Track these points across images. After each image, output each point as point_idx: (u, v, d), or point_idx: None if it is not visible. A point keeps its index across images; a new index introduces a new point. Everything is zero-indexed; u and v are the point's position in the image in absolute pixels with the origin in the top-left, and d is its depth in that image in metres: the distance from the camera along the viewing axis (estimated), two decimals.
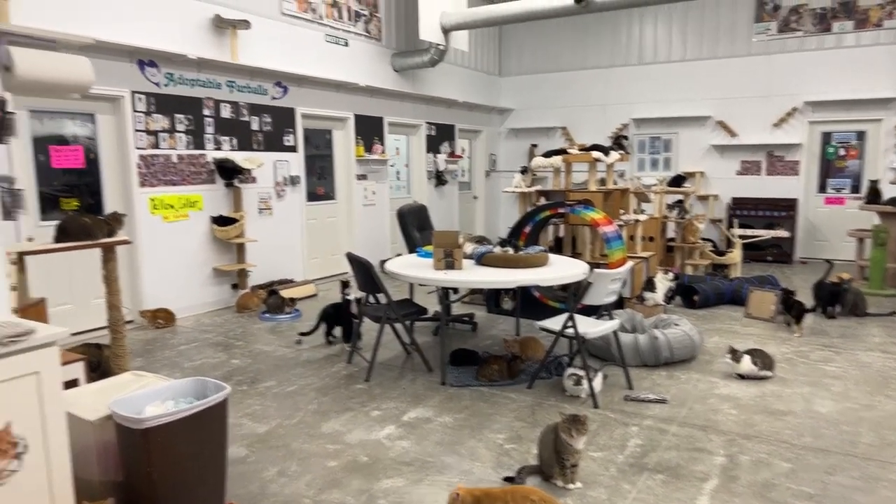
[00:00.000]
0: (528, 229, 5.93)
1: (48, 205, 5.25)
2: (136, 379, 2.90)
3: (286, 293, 6.52)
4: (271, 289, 6.65)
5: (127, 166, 5.68)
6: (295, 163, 7.38)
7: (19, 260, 3.12)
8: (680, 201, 7.92)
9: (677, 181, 8.11)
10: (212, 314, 6.35)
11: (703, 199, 9.87)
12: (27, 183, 5.02)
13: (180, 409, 2.45)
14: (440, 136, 10.00)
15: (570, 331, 3.93)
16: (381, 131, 8.71)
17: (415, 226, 5.61)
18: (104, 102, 5.55)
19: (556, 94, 11.07)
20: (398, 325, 4.77)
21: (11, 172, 4.79)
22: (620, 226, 6.06)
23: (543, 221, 6.04)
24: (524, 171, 6.79)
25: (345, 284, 5.12)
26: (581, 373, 3.92)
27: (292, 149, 7.33)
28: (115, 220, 3.62)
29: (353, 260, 4.48)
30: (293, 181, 7.36)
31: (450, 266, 4.41)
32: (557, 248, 6.64)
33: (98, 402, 2.58)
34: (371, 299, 4.66)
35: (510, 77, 11.48)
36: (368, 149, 8.42)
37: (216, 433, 2.60)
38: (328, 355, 4.96)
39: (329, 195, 8.20)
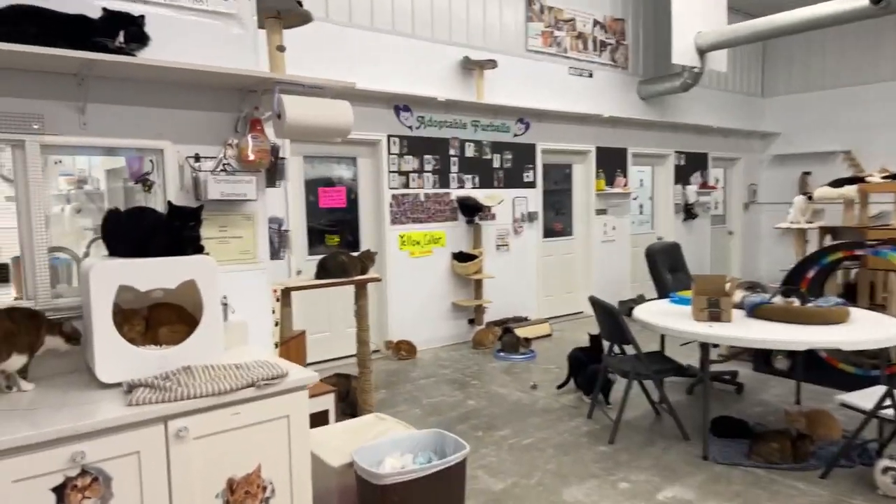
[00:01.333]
0: (811, 274, 4.91)
1: (315, 240, 5.79)
2: (378, 422, 2.86)
3: (521, 332, 6.32)
4: (506, 326, 6.51)
5: (381, 205, 6.04)
6: (533, 199, 7.24)
7: (284, 295, 3.34)
8: None
9: None
10: (449, 348, 6.41)
11: None
12: (298, 221, 5.59)
13: (419, 466, 2.29)
14: (690, 166, 9.10)
15: (889, 411, 3.01)
16: (625, 163, 8.19)
17: (666, 267, 5.00)
18: (364, 147, 6.00)
19: (836, 113, 9.40)
20: (647, 382, 4.20)
21: (287, 212, 5.37)
22: None
23: (832, 265, 4.96)
24: (810, 197, 5.71)
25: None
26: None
27: (531, 185, 7.21)
28: (368, 258, 3.73)
29: (598, 305, 4.07)
30: (531, 217, 7.21)
31: (715, 317, 3.75)
32: (848, 297, 5.41)
33: (341, 446, 2.56)
34: (615, 349, 4.19)
35: (776, 97, 10.09)
36: (610, 182, 7.95)
37: (454, 494, 2.40)
38: (565, 405, 4.58)
39: (566, 231, 7.90)
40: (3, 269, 2.33)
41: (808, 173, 9.79)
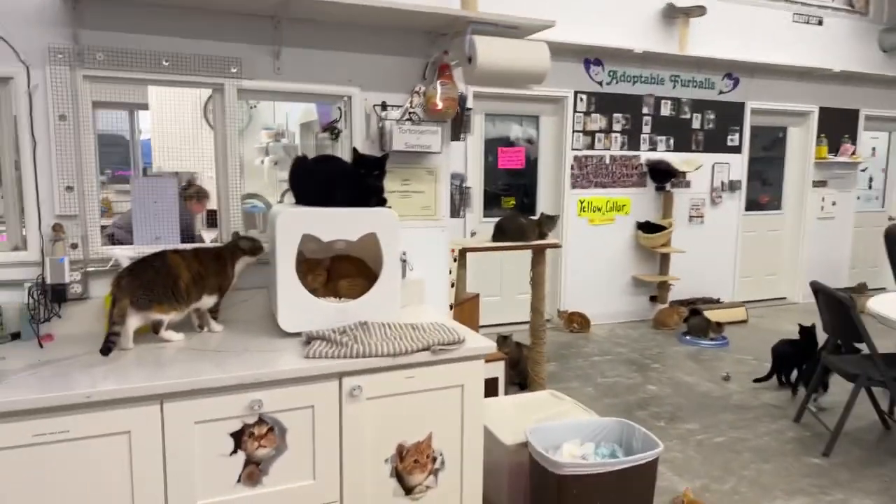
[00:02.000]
0: None
1: (490, 202, 5.63)
2: (554, 401, 2.62)
3: (712, 315, 5.66)
4: (694, 307, 5.88)
5: (561, 167, 5.69)
6: (736, 166, 6.39)
7: (461, 256, 3.20)
8: None
9: None
10: (626, 326, 5.96)
11: None
12: (476, 181, 5.45)
13: (604, 461, 2.02)
14: None
15: None
16: (855, 127, 6.91)
17: None
18: (548, 104, 5.66)
19: None
20: (876, 389, 3.48)
21: (466, 171, 5.25)
22: None
23: None
24: None
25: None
26: None
27: (736, 149, 6.36)
28: (548, 223, 3.46)
29: (823, 292, 3.41)
30: (732, 187, 6.38)
31: None
32: None
33: (515, 422, 2.36)
34: (842, 347, 3.51)
35: None
36: (834, 149, 6.77)
37: (641, 496, 2.09)
38: (765, 404, 3.98)
39: (773, 204, 6.91)
40: (213, 215, 2.43)
41: None
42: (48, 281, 1.89)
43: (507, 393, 3.77)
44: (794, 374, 4.31)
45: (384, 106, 2.40)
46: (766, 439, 3.45)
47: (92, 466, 1.52)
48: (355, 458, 1.81)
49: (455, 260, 2.77)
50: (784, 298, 7.02)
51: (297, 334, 1.93)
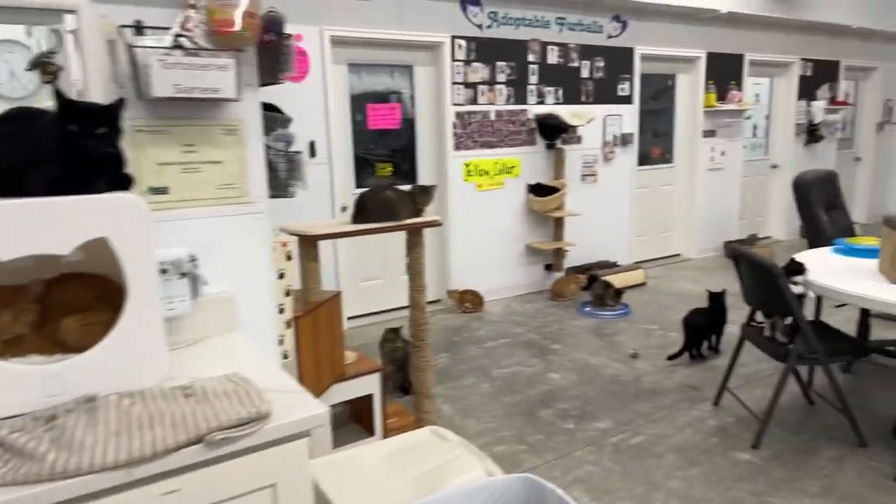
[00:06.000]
0: None
1: (364, 170, 4.80)
2: (437, 444, 1.91)
3: (611, 280, 5.22)
4: (592, 274, 5.43)
5: (442, 126, 4.95)
6: (628, 117, 5.94)
7: (306, 247, 2.38)
8: None
9: None
10: (522, 299, 5.41)
11: None
12: (342, 146, 4.59)
13: None
14: (818, 77, 7.46)
15: None
16: (740, 73, 6.68)
17: (821, 204, 3.74)
18: (422, 51, 4.86)
19: None
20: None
21: (327, 134, 4.37)
22: None
23: None
24: None
25: (793, 271, 2.85)
26: None
27: (627, 100, 5.89)
28: (424, 196, 2.71)
29: (744, 259, 2.92)
30: (625, 140, 5.94)
31: None
32: None
33: (380, 494, 1.62)
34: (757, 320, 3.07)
35: None
36: (721, 97, 6.51)
37: None
38: (680, 385, 3.53)
39: (666, 157, 6.58)
40: None
41: None
42: None
43: (386, 406, 3.05)
44: (705, 345, 3.93)
45: (139, 28, 1.51)
46: (689, 433, 2.97)
47: None
48: None
49: (289, 256, 1.96)
50: (679, 255, 6.79)
51: None
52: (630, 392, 3.46)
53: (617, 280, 5.40)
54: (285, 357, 2.00)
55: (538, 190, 5.43)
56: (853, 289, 2.59)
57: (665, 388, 3.50)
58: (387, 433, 2.95)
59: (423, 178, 5.02)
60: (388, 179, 4.87)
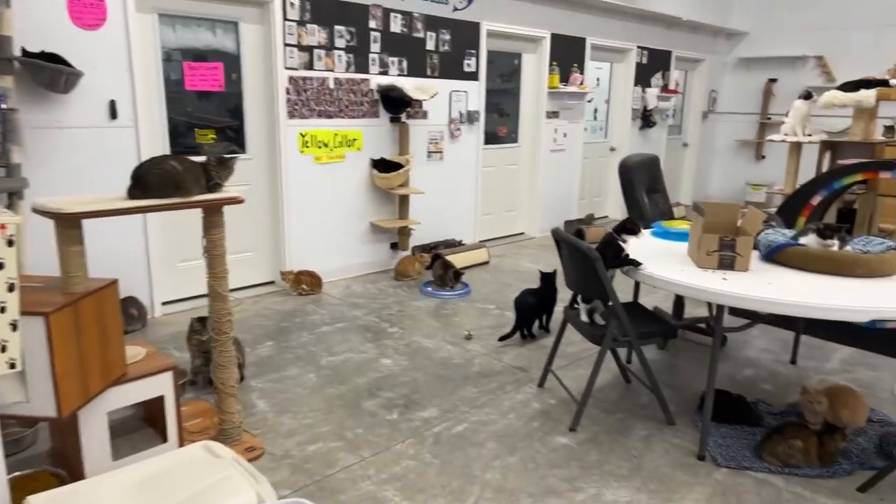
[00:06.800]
0: (817, 200, 3.91)
1: (182, 137, 4.27)
2: (207, 463, 1.63)
3: (455, 259, 5.16)
4: (436, 253, 5.33)
5: (274, 91, 4.53)
6: (474, 94, 5.86)
7: (65, 226, 1.95)
8: None
9: None
10: (365, 280, 5.19)
11: None
12: (153, 109, 4.04)
13: None
14: (652, 66, 7.88)
15: None
16: (583, 56, 6.86)
17: (644, 187, 3.86)
18: (249, 7, 4.39)
19: (809, 12, 8.30)
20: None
21: (132, 93, 3.80)
22: None
23: (843, 189, 3.98)
24: (808, 96, 4.68)
25: (627, 230, 2.84)
26: None
27: (473, 76, 5.80)
28: (220, 168, 2.35)
29: (565, 243, 2.90)
30: (471, 118, 5.86)
31: (727, 264, 2.67)
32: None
33: None
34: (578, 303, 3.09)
35: None
36: (564, 78, 6.65)
37: None
38: (508, 367, 3.50)
39: (512, 137, 6.62)
40: None
41: (773, 80, 8.81)
42: None
43: (189, 406, 2.70)
44: (536, 325, 3.96)
45: None
46: (511, 418, 2.93)
47: None
48: None
49: (10, 242, 1.54)
50: (522, 234, 6.91)
51: None
52: (459, 376, 3.37)
53: (461, 259, 5.35)
54: (12, 367, 1.60)
55: (382, 165, 5.20)
56: (663, 273, 2.64)
57: (494, 370, 3.46)
58: (187, 437, 2.62)
59: (253, 147, 4.59)
60: (210, 146, 4.38)
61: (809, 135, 4.69)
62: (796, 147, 4.76)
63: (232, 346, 2.59)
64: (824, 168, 4.51)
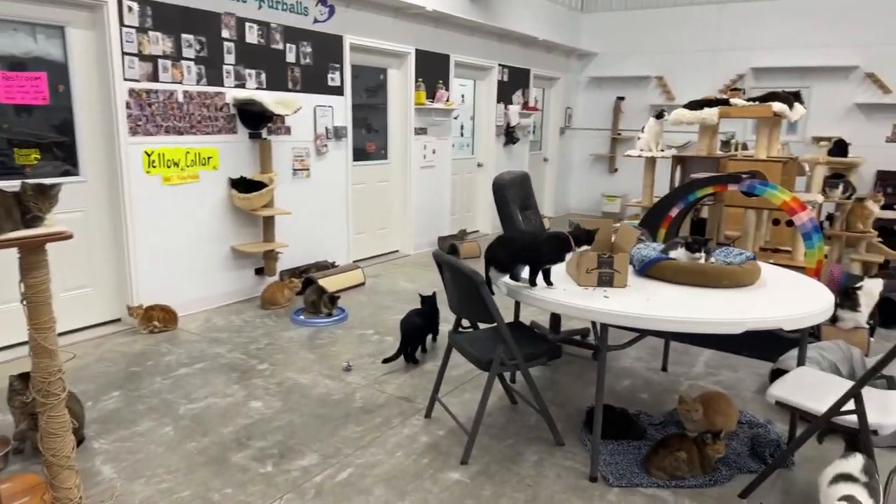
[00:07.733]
0: (675, 212, 4.14)
1: None
2: None
3: (328, 283, 4.88)
4: (307, 277, 5.02)
5: (112, 104, 4.00)
6: (340, 110, 5.63)
7: None
8: (840, 175, 6.00)
9: (841, 149, 6.15)
10: (227, 311, 4.74)
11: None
12: None
13: None
14: (513, 83, 8.11)
15: (850, 419, 2.18)
16: (447, 73, 6.87)
17: (517, 204, 3.86)
18: (79, 11, 3.85)
19: (651, 36, 9.03)
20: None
21: None
22: None
23: (696, 201, 4.24)
24: (660, 115, 4.99)
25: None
26: (862, 483, 2.18)
27: (338, 91, 5.57)
28: (40, 198, 1.95)
29: (447, 266, 2.77)
30: (338, 134, 5.62)
31: (606, 281, 2.68)
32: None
33: None
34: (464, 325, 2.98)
35: (595, 13, 9.44)
36: (431, 95, 6.61)
37: None
38: (392, 398, 3.31)
39: (381, 154, 6.46)
40: None
41: (622, 98, 9.45)
42: None
43: (11, 482, 2.21)
44: (419, 349, 3.80)
45: None
46: (399, 456, 2.73)
47: None
48: None
49: None
50: (397, 251, 6.76)
51: None
52: (339, 414, 3.12)
53: (335, 282, 5.08)
54: None
55: (243, 185, 4.79)
56: (547, 295, 2.59)
57: (377, 403, 3.24)
58: None
59: (88, 168, 4.02)
60: (34, 170, 3.77)
61: (662, 150, 5.00)
62: (651, 162, 5.05)
63: (64, 409, 2.15)
64: (677, 181, 4.82)
